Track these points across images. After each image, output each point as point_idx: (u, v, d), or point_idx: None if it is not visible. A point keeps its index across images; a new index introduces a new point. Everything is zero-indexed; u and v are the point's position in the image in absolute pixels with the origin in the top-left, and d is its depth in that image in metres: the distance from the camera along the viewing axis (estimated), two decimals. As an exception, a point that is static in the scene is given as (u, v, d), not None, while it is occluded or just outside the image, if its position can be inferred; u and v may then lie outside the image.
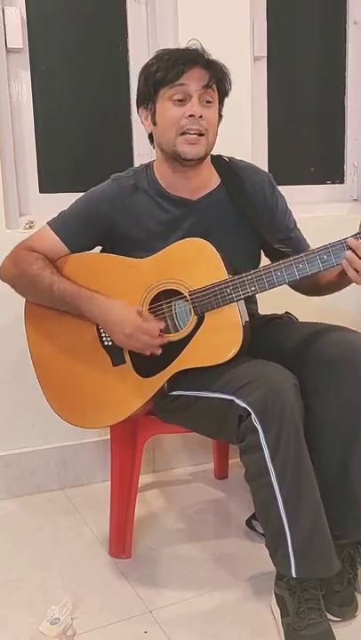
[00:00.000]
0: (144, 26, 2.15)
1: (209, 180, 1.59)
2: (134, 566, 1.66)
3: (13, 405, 2.04)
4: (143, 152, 2.19)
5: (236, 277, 1.43)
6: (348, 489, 1.42)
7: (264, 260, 1.63)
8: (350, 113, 2.51)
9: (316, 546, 1.36)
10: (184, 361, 1.46)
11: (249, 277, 1.42)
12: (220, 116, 1.55)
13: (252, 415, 1.33)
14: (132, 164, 2.20)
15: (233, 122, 1.66)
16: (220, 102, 1.54)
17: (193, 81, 1.45)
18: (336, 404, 1.41)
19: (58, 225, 1.60)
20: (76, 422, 1.58)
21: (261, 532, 1.74)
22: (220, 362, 1.43)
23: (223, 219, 1.58)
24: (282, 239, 1.63)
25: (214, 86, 1.49)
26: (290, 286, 1.65)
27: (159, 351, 1.47)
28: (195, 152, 1.48)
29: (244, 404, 1.34)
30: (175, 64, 1.45)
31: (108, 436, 1.73)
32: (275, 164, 2.28)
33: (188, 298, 1.47)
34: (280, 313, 1.72)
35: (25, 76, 2.03)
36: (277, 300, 1.67)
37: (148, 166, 1.61)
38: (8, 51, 1.98)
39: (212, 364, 1.44)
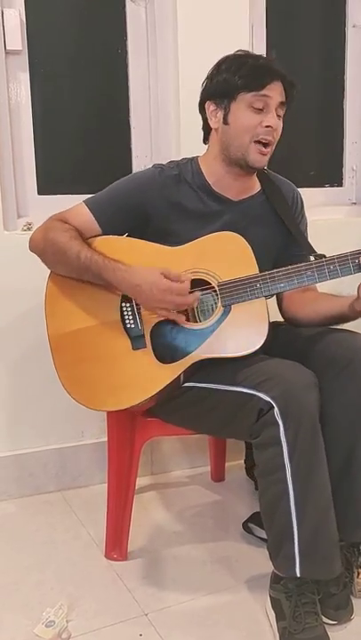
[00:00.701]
0: (143, 28, 2.14)
1: (252, 184, 1.63)
2: (130, 568, 1.66)
3: (12, 406, 2.04)
4: (141, 154, 2.19)
5: (266, 273, 1.46)
6: (349, 489, 1.43)
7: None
8: (349, 116, 2.50)
9: (323, 545, 1.36)
10: (206, 350, 1.46)
11: (280, 274, 1.45)
12: None
13: (275, 409, 1.34)
14: (130, 166, 2.20)
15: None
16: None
17: (275, 94, 1.49)
18: (340, 402, 1.42)
19: (94, 203, 1.58)
20: (85, 402, 1.54)
21: (259, 535, 1.75)
22: (244, 354, 1.44)
23: (259, 220, 1.61)
24: (294, 254, 1.65)
25: (285, 104, 1.53)
26: (291, 322, 1.65)
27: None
28: (263, 162, 1.54)
29: (267, 398, 1.35)
30: (261, 73, 1.48)
31: (107, 438, 1.72)
32: (274, 167, 2.25)
33: (217, 289, 1.48)
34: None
35: (24, 78, 2.03)
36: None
37: (193, 160, 1.62)
38: (7, 52, 1.97)
39: (236, 355, 1.44)
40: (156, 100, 2.17)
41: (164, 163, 1.64)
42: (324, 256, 1.57)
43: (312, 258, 1.53)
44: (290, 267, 1.46)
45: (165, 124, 2.15)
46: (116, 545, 1.70)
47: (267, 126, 1.49)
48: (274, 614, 1.41)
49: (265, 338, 1.44)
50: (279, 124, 1.52)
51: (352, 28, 2.45)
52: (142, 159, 2.20)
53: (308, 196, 2.41)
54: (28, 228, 2.01)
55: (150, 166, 1.63)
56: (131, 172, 2.15)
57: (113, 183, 1.62)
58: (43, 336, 1.58)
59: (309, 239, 1.70)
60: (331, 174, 2.53)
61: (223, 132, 1.54)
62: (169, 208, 1.56)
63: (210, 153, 1.60)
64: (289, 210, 1.66)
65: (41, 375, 1.95)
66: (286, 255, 1.63)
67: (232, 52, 1.56)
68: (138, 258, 1.52)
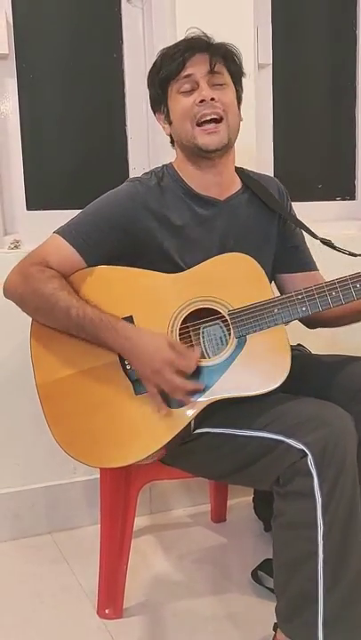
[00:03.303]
0: (140, 31, 2.05)
1: (233, 179, 1.53)
2: (125, 628, 1.48)
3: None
4: (139, 166, 2.09)
5: (283, 296, 1.33)
6: None
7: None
8: (361, 124, 2.41)
9: (353, 615, 1.20)
10: (221, 390, 1.29)
11: (299, 297, 1.32)
12: (240, 99, 1.49)
13: (309, 457, 1.18)
14: (127, 178, 2.06)
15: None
16: (237, 83, 1.48)
17: (197, 68, 1.40)
18: None
19: (71, 233, 1.41)
20: (85, 459, 1.36)
21: (270, 586, 1.58)
22: (267, 390, 1.27)
23: (251, 219, 1.51)
24: (289, 246, 1.59)
25: (223, 68, 1.43)
26: (326, 324, 1.56)
27: (190, 400, 1.29)
28: (216, 141, 1.41)
29: (299, 445, 1.19)
30: (175, 56, 1.41)
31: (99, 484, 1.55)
32: (280, 178, 2.14)
33: (228, 318, 1.33)
34: (293, 344, 1.56)
35: (11, 84, 1.94)
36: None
37: (167, 167, 1.51)
38: (-7, 57, 1.88)
39: (256, 393, 1.28)
40: (155, 107, 2.05)
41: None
42: (330, 241, 1.49)
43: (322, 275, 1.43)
44: (311, 287, 1.32)
45: (164, 134, 1.99)
46: (110, 601, 1.52)
47: (200, 101, 1.38)
48: None
49: (288, 371, 1.28)
50: (218, 93, 1.40)
51: (364, 29, 2.36)
52: (140, 171, 2.04)
53: (317, 210, 2.33)
54: (16, 246, 1.90)
55: (126, 182, 1.49)
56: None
57: (86, 208, 1.46)
58: (28, 365, 1.42)
59: (316, 257, 1.60)
60: (342, 187, 2.42)
61: (174, 133, 1.48)
62: (158, 222, 1.42)
63: (178, 157, 1.51)
64: (278, 202, 1.56)
65: (27, 408, 1.78)
66: (284, 249, 1.56)
67: None
68: (135, 289, 1.38)
